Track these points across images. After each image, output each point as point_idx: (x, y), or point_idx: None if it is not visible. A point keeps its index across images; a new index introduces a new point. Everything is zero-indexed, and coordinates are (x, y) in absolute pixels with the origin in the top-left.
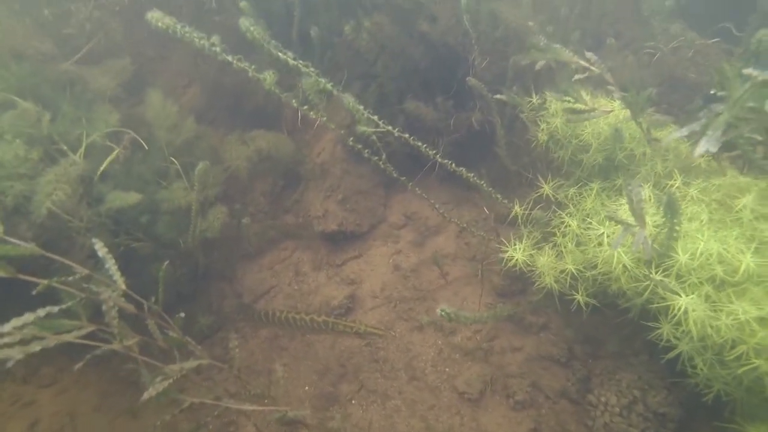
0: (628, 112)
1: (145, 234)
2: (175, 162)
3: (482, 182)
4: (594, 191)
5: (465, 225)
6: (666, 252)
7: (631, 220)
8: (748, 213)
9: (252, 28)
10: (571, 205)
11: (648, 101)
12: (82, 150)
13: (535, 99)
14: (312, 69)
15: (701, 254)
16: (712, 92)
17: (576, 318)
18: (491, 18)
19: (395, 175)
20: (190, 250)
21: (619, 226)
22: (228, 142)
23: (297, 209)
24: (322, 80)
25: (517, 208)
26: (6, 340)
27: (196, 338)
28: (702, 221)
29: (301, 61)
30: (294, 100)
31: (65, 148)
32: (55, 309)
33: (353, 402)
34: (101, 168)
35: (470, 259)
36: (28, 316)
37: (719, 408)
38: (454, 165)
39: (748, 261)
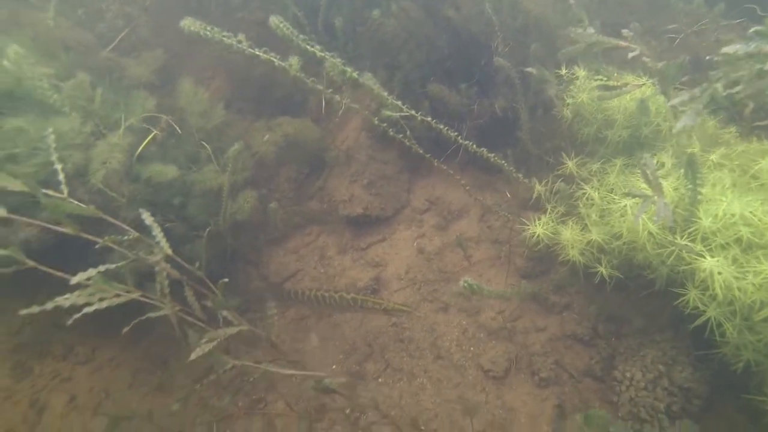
0: (654, 89)
1: (178, 215)
2: (207, 146)
3: (505, 163)
4: (617, 166)
5: (489, 206)
6: (690, 216)
7: (648, 191)
8: None
9: (281, 25)
10: (595, 180)
11: (680, 70)
12: (121, 130)
13: (564, 72)
14: (338, 59)
15: (724, 215)
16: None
17: (599, 296)
18: (512, 7)
19: (421, 152)
20: (220, 232)
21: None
22: (255, 128)
23: (321, 195)
24: (348, 69)
25: (538, 186)
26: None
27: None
28: (725, 185)
29: (327, 53)
30: (319, 85)
31: (105, 131)
32: (112, 266)
33: (380, 380)
34: (141, 147)
35: (493, 241)
36: (91, 271)
37: (745, 383)
38: (476, 146)
39: None
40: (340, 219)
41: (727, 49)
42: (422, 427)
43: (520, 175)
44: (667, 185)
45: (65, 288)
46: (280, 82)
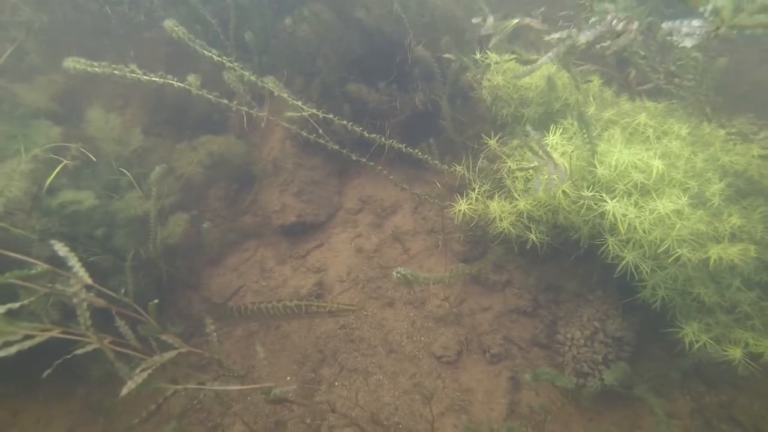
0: (557, 67)
1: (103, 248)
2: (127, 173)
3: (428, 156)
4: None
5: (420, 198)
6: (591, 168)
7: (540, 160)
8: (651, 131)
9: (176, 28)
10: (516, 154)
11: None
12: (22, 159)
13: (479, 56)
14: (238, 65)
15: (617, 164)
16: None
17: (535, 269)
18: (420, 4)
19: (345, 153)
20: (151, 260)
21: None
22: (178, 150)
23: (254, 209)
24: (246, 73)
25: (459, 168)
26: None
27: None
28: (617, 139)
29: (234, 63)
30: (226, 100)
31: None
32: (16, 305)
33: (336, 384)
34: (50, 177)
35: (429, 232)
36: None
37: (662, 324)
38: (399, 144)
39: (658, 165)
40: (276, 230)
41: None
42: (384, 422)
43: (445, 165)
44: (570, 146)
45: None
46: (196, 103)
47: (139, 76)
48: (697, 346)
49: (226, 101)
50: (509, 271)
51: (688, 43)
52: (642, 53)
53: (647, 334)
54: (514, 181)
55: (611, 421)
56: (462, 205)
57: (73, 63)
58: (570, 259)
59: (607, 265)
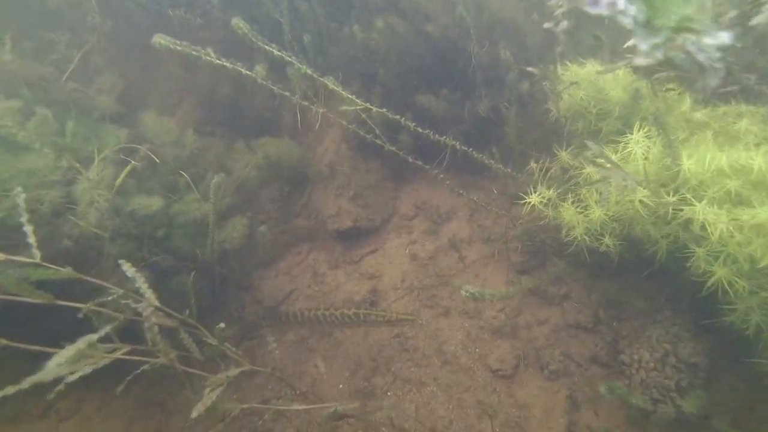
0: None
1: (163, 248)
2: (185, 175)
3: (492, 161)
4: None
5: (477, 205)
6: (674, 167)
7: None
8: (752, 137)
9: (242, 24)
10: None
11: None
12: (96, 164)
13: (560, 69)
14: (296, 59)
15: (708, 165)
16: None
17: (597, 284)
18: (478, 9)
19: (400, 155)
20: (208, 262)
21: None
22: (235, 150)
23: (307, 212)
24: (304, 67)
25: (534, 165)
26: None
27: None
28: (707, 141)
29: (289, 55)
30: (288, 93)
31: (78, 166)
32: (95, 337)
33: (389, 393)
34: (119, 179)
35: (485, 240)
36: (80, 343)
37: (741, 352)
38: (462, 146)
39: (759, 162)
40: (329, 234)
41: None
42: None
43: (509, 170)
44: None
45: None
46: (249, 101)
47: (212, 59)
48: None
49: (287, 93)
50: (568, 284)
51: None
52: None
53: (720, 361)
54: (588, 191)
55: None
56: (533, 198)
57: (159, 39)
58: (637, 275)
59: (678, 284)
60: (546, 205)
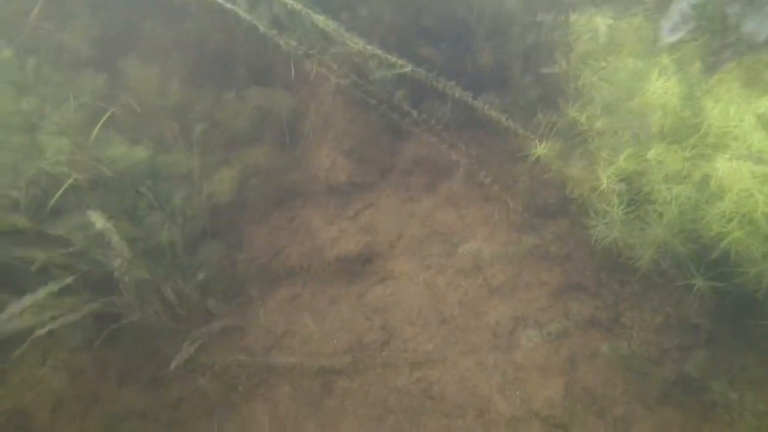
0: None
1: (148, 202)
2: (172, 125)
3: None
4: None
5: (477, 161)
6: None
7: None
8: None
9: None
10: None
11: None
12: (71, 107)
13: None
14: None
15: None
16: None
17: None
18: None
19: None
20: (197, 216)
21: None
22: (224, 101)
23: (300, 166)
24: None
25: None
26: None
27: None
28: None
29: None
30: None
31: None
32: (56, 288)
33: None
34: (98, 125)
35: (485, 199)
36: (40, 292)
37: (744, 313)
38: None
39: None
40: (323, 189)
41: None
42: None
43: (511, 123)
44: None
45: None
46: (241, 52)
47: None
48: None
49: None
50: (570, 244)
51: None
52: None
53: (722, 323)
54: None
55: (675, 411)
56: (538, 149)
57: None
58: None
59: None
60: (551, 159)
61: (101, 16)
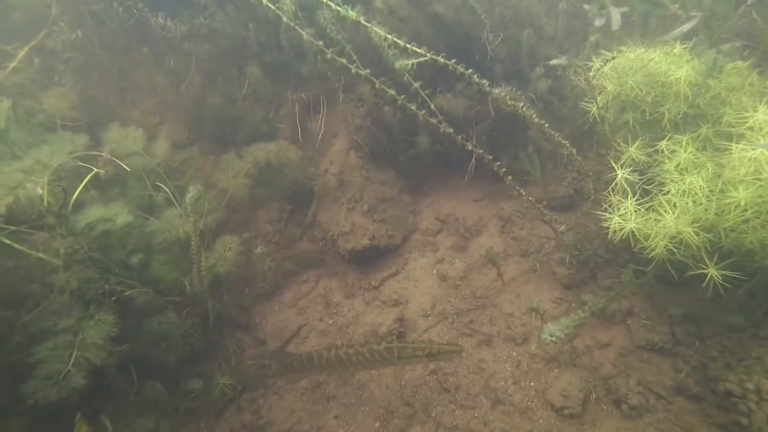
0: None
1: (140, 279)
2: (164, 187)
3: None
4: (685, 141)
5: (508, 216)
6: None
7: None
8: None
9: None
10: (666, 161)
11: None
12: (44, 152)
13: (596, 62)
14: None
15: None
16: None
17: (665, 296)
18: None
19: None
20: (197, 294)
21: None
22: (223, 161)
23: (313, 232)
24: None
25: (616, 168)
26: None
27: (216, 405)
28: None
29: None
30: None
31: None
32: None
33: None
34: (78, 189)
35: (522, 253)
36: None
37: None
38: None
39: None
40: (342, 256)
41: None
42: None
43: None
44: None
45: None
46: (240, 113)
47: None
48: None
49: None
50: (628, 298)
51: None
52: None
53: None
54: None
55: None
56: (629, 222)
57: None
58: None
59: None
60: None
61: (94, 82)
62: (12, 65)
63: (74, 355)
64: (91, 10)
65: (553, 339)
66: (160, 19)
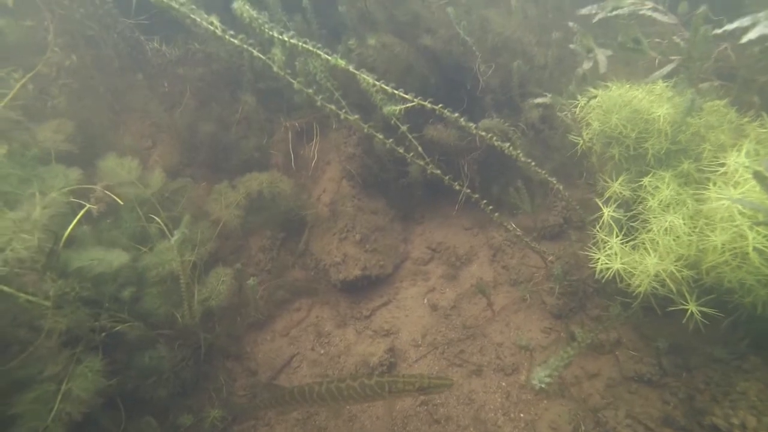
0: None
1: (131, 312)
2: (156, 218)
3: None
4: (666, 179)
5: (499, 245)
6: None
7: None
8: None
9: (245, 8)
10: (649, 197)
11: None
12: (37, 205)
13: (581, 100)
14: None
15: None
16: None
17: (652, 327)
18: (482, 28)
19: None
20: (188, 326)
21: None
22: (215, 191)
23: (305, 261)
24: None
25: (604, 208)
26: None
27: None
28: None
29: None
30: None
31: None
32: None
33: None
34: (71, 226)
35: (512, 283)
36: None
37: None
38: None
39: None
40: (333, 286)
41: None
42: None
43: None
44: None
45: None
46: (234, 140)
47: (218, 32)
48: None
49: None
50: (617, 329)
51: None
52: None
53: None
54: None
55: None
56: (615, 262)
57: None
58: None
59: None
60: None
61: (88, 108)
62: (10, 94)
63: (56, 408)
64: (86, 34)
65: (543, 386)
66: (155, 43)
